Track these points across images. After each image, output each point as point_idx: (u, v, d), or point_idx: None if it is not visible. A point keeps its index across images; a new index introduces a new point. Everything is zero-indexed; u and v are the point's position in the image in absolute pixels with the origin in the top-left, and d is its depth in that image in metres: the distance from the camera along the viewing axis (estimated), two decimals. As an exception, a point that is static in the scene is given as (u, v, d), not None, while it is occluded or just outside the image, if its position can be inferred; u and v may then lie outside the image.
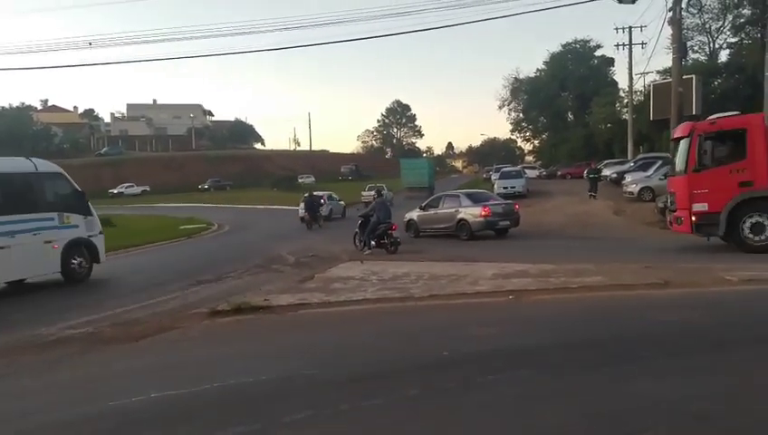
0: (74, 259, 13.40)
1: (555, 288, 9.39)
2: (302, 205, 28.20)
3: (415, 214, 21.02)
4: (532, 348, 6.03)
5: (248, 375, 5.62)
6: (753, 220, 12.58)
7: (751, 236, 12.65)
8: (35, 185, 13.07)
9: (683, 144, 13.51)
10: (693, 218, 13.03)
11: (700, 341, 6.03)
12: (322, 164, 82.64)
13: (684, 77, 19.73)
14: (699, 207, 12.94)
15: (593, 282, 9.65)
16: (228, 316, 8.79)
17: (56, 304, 11.23)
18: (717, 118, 13.67)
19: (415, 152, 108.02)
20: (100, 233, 14.41)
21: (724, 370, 5.04)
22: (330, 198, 32.32)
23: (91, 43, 36.46)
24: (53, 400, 5.60)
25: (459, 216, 19.16)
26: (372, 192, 26.86)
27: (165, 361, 6.97)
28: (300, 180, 63.45)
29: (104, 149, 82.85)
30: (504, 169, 39.75)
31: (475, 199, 19.74)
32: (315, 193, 30.06)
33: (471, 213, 18.92)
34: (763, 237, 12.55)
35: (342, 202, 33.73)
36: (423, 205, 21.19)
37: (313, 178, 66.12)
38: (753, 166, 12.59)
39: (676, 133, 13.90)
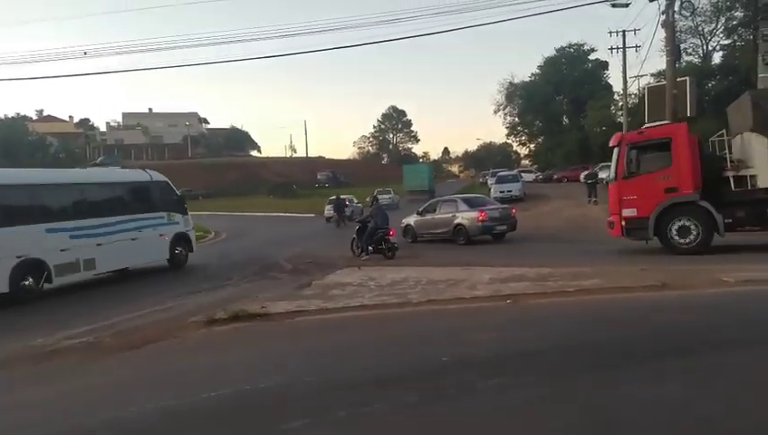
0: (177, 249, 17.20)
1: (553, 292, 9.38)
2: (329, 206, 33.74)
3: (412, 219, 21.05)
4: (531, 352, 6.02)
5: (246, 383, 5.59)
6: (679, 224, 13.28)
7: (677, 238, 13.34)
8: (151, 191, 16.88)
9: (614, 153, 14.21)
10: (623, 223, 13.83)
11: (699, 343, 6.02)
12: (318, 170, 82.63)
13: (678, 79, 19.78)
14: (629, 212, 13.75)
15: (591, 285, 9.65)
16: (225, 324, 8.76)
17: (54, 315, 11.18)
18: (646, 128, 14.55)
19: (411, 157, 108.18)
20: (192, 229, 18.29)
21: (723, 371, 5.03)
22: (350, 201, 36.07)
23: (86, 53, 36.66)
24: (49, 411, 5.55)
25: (456, 221, 19.26)
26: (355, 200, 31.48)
27: (162, 370, 6.94)
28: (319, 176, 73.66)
29: (100, 158, 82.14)
30: (501, 174, 39.84)
31: (472, 204, 19.84)
32: (341, 196, 33.91)
33: (468, 218, 19.01)
34: (688, 240, 13.23)
35: (360, 205, 36.24)
36: (420, 210, 21.25)
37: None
38: (678, 173, 13.30)
39: (611, 142, 14.60)
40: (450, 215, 19.60)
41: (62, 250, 13.39)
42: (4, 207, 12.43)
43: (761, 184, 12.79)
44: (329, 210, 33.67)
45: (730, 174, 13.21)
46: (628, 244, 14.61)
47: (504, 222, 19.39)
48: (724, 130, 14.41)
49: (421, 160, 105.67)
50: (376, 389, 5.15)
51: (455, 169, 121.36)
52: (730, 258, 11.72)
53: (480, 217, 18.75)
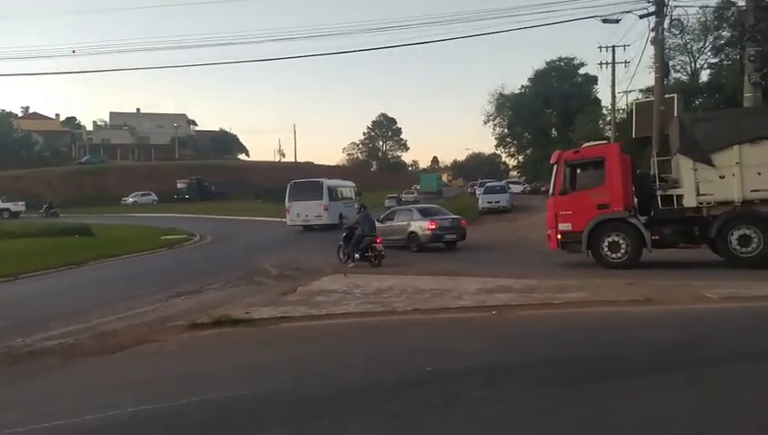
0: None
1: (539, 304, 9.41)
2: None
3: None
4: (516, 364, 6.02)
5: (228, 390, 5.52)
6: (610, 239, 13.81)
7: (608, 253, 13.84)
8: (352, 190, 33.71)
9: (554, 169, 14.93)
10: (559, 236, 14.42)
11: (681, 358, 6.06)
12: (307, 176, 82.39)
13: (666, 96, 20.04)
14: (564, 226, 14.36)
15: (576, 298, 9.69)
16: (208, 329, 8.66)
17: (35, 314, 10.99)
18: (583, 147, 15.37)
19: (400, 165, 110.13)
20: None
21: (703, 387, 5.08)
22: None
23: (74, 51, 36.30)
24: (28, 413, 5.44)
25: (410, 229, 20.15)
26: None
27: (142, 374, 6.83)
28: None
29: (85, 157, 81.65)
30: (489, 184, 39.99)
31: (425, 214, 20.82)
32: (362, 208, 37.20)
33: (420, 226, 19.93)
34: (618, 255, 13.75)
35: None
36: (381, 217, 21.74)
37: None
38: (610, 190, 13.92)
39: (552, 160, 15.23)
40: (405, 223, 20.50)
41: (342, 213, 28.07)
42: (332, 193, 28.82)
43: (686, 203, 13.30)
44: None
45: (658, 193, 13.77)
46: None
47: (454, 232, 20.35)
48: (655, 151, 15.26)
49: (410, 169, 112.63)
50: (360, 397, 5.12)
51: (444, 178, 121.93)
52: (716, 274, 11.83)
53: (431, 227, 19.67)
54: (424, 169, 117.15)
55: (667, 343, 6.77)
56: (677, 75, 45.53)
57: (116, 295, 12.66)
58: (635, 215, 13.97)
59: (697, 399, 4.79)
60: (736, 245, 12.75)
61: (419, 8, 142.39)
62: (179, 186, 61.68)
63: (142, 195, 60.62)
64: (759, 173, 12.55)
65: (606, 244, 13.83)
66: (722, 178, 12.83)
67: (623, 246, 13.70)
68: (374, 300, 10.39)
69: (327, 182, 29.21)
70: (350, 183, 34.10)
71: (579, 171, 14.71)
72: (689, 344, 6.72)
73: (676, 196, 13.49)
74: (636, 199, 14.39)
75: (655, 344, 6.68)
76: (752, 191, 12.65)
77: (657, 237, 13.55)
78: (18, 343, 8.36)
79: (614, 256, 13.78)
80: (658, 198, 13.73)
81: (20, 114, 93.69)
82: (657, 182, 14.03)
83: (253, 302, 10.77)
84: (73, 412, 5.22)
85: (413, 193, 60.85)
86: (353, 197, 32.28)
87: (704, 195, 13.04)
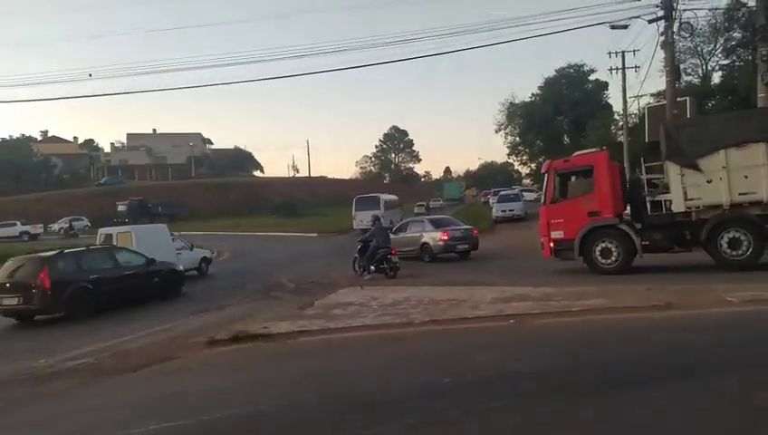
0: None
1: (557, 312, 9.34)
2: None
3: None
4: (533, 373, 5.97)
5: (247, 405, 5.56)
6: (602, 246, 14.04)
7: (600, 259, 14.07)
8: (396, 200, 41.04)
9: (545, 179, 15.31)
10: (552, 244, 14.65)
11: (703, 364, 5.97)
12: (321, 190, 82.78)
13: (678, 99, 19.93)
14: (556, 234, 14.60)
15: (595, 305, 9.60)
16: (227, 345, 8.73)
17: (56, 335, 11.16)
18: (573, 156, 15.70)
19: (413, 177, 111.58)
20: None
21: (728, 394, 4.99)
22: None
23: (90, 75, 36.84)
24: (52, 432, 5.52)
25: (423, 239, 20.34)
26: None
27: (164, 391, 6.90)
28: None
29: (104, 178, 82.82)
30: (503, 193, 39.85)
31: (437, 224, 21.05)
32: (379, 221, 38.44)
33: (432, 237, 20.13)
34: (610, 261, 13.96)
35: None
36: (394, 229, 22.18)
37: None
38: (599, 198, 14.15)
39: (542, 169, 15.61)
40: (418, 234, 20.71)
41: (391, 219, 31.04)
42: (385, 204, 35.39)
43: (675, 208, 13.43)
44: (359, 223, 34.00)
45: (648, 199, 13.97)
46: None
47: (466, 242, 20.48)
48: (642, 157, 15.51)
49: (423, 180, 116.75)
50: (378, 410, 5.11)
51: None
52: (735, 277, 11.67)
53: (443, 237, 19.87)
54: (437, 180, 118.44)
55: (688, 348, 6.66)
56: (689, 78, 45.10)
57: (134, 314, 12.80)
58: (625, 221, 14.23)
59: (727, 406, 4.72)
60: (726, 248, 12.87)
61: (427, 22, 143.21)
62: (119, 208, 54.43)
63: (72, 220, 50.99)
64: (746, 176, 12.68)
65: (598, 250, 14.05)
66: (709, 182, 12.98)
67: (614, 252, 13.91)
68: (391, 312, 10.40)
69: (382, 196, 37.90)
70: (395, 196, 43.14)
71: (569, 180, 14.99)
72: (713, 350, 6.62)
73: (665, 201, 13.66)
74: (629, 206, 14.69)
75: (676, 350, 6.59)
76: (740, 194, 12.77)
77: (647, 243, 13.75)
78: (41, 364, 8.50)
79: (606, 262, 13.99)
80: (647, 203, 13.94)
81: (39, 138, 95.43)
82: (647, 188, 14.25)
83: (270, 316, 10.83)
84: (97, 431, 5.30)
85: (439, 200, 66.45)
86: (397, 206, 40.70)
87: (691, 199, 13.21)
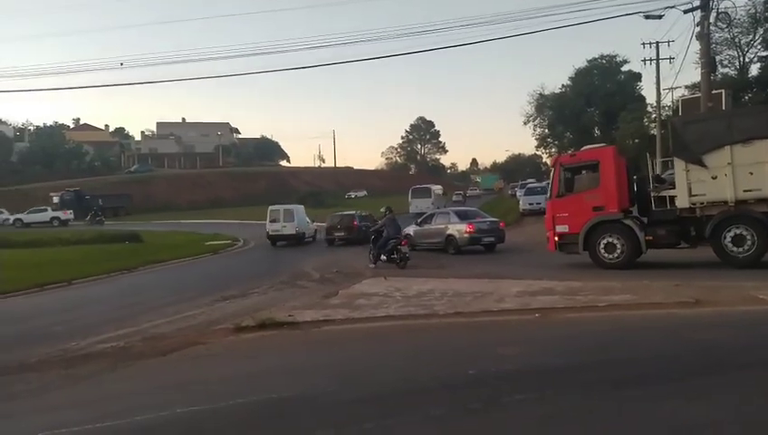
0: None
1: (583, 306, 9.23)
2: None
3: (412, 229, 21.61)
4: (559, 367, 5.93)
5: (272, 392, 5.64)
6: (606, 241, 14.06)
7: (604, 254, 14.10)
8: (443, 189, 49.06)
9: (551, 173, 15.39)
10: (556, 238, 14.83)
11: (732, 362, 5.87)
12: (346, 181, 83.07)
13: (713, 92, 19.45)
14: (561, 228, 14.77)
15: (622, 300, 9.48)
16: (253, 332, 8.84)
17: (88, 319, 11.43)
18: (581, 151, 15.82)
19: (439, 168, 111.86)
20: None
21: (756, 392, 4.89)
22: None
23: (122, 64, 37.29)
24: (81, 414, 5.68)
25: (448, 232, 20.26)
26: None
27: (191, 376, 7.03)
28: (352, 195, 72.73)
29: (134, 166, 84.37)
30: (530, 185, 39.42)
31: (463, 217, 20.87)
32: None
33: (458, 229, 20.01)
34: (614, 256, 13.98)
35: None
36: (419, 220, 22.08)
37: (365, 192, 76.00)
38: (604, 193, 14.20)
39: (550, 163, 15.45)
40: (443, 226, 20.62)
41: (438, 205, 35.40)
42: (435, 193, 42.58)
43: (679, 204, 13.36)
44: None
45: (652, 194, 13.98)
46: (658, 255, 14.39)
47: (492, 234, 20.31)
48: (647, 153, 15.53)
49: (449, 171, 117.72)
50: (402, 401, 5.14)
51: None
52: (764, 274, 11.38)
53: (468, 229, 19.80)
54: (463, 172, 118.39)
55: (716, 345, 6.56)
56: (725, 70, 43.94)
57: (164, 300, 13.06)
58: (630, 216, 14.20)
59: (755, 404, 4.63)
60: (730, 245, 12.72)
61: (455, 11, 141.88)
62: (54, 199, 51.58)
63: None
64: (751, 173, 12.49)
65: (602, 245, 14.09)
66: (714, 178, 12.83)
67: (618, 247, 13.92)
68: (415, 303, 10.41)
69: (433, 187, 44.31)
70: (441, 186, 49.33)
71: (575, 175, 15.00)
72: (741, 347, 6.51)
73: (669, 197, 13.58)
74: (636, 201, 14.64)
75: (704, 347, 6.49)
76: (744, 191, 12.60)
77: (650, 238, 13.75)
78: (73, 347, 8.72)
79: (610, 256, 14.02)
80: (652, 199, 13.90)
81: (71, 126, 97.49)
82: (651, 184, 14.16)
83: (296, 305, 10.94)
84: (125, 413, 5.42)
85: (476, 190, 72.80)
86: (444, 195, 48.73)
87: (696, 195, 13.07)
